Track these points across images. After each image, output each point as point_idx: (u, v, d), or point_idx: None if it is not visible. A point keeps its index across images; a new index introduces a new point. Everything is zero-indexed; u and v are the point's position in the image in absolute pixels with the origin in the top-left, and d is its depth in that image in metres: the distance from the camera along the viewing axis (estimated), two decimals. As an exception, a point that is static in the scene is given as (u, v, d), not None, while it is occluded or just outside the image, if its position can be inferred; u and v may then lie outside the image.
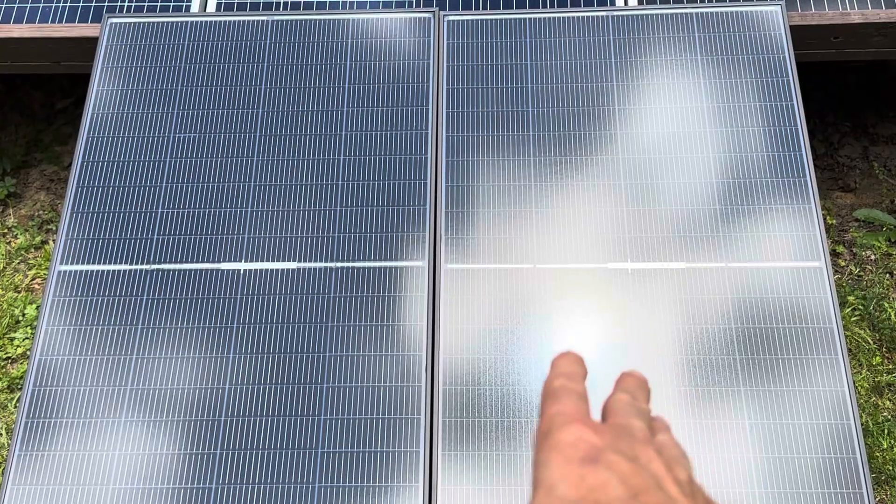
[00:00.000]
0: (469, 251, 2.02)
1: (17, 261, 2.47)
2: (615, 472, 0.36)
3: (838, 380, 1.87)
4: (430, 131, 2.14)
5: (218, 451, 1.81)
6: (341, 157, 2.11)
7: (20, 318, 2.30)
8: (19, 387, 2.11)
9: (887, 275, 2.44)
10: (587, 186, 2.07)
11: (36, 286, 2.42)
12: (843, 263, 2.51)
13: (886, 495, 1.92)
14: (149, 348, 1.91)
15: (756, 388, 1.86)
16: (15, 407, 2.07)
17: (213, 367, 1.89)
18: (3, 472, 1.81)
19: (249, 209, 2.06)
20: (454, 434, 1.83)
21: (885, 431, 2.03)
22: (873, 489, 1.93)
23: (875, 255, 2.51)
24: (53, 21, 2.30)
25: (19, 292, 2.39)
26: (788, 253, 2.00)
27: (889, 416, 2.07)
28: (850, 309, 2.34)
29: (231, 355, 1.90)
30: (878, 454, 1.99)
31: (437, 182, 2.09)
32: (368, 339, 1.92)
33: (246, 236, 2.03)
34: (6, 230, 2.58)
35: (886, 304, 2.33)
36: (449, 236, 2.03)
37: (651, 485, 0.36)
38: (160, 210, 2.05)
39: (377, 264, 2.00)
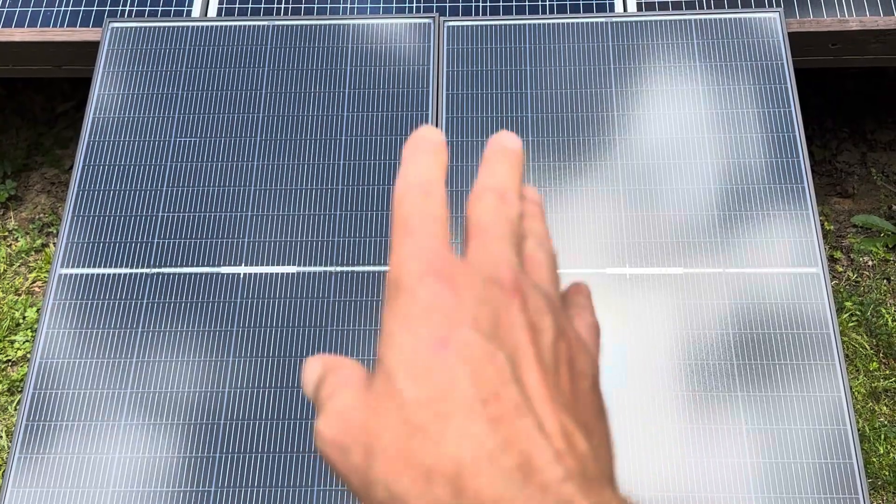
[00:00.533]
0: (468, 256, 2.03)
1: (18, 264, 2.48)
2: (466, 363, 0.30)
3: (835, 385, 1.88)
4: (429, 136, 2.14)
5: (217, 455, 1.82)
6: (341, 162, 2.12)
7: (20, 321, 2.31)
8: (19, 389, 2.12)
9: (885, 281, 2.45)
10: (586, 192, 2.08)
11: (36, 289, 2.43)
12: (840, 269, 2.52)
13: (883, 500, 1.93)
14: (149, 351, 1.92)
15: (753, 394, 1.87)
16: (15, 409, 2.08)
17: (212, 370, 1.90)
18: (3, 475, 1.81)
19: (250, 213, 2.07)
20: (453, 438, 1.84)
21: (882, 437, 2.04)
22: (869, 495, 1.93)
23: (873, 261, 2.53)
24: (55, 25, 2.31)
25: (20, 295, 2.40)
26: (786, 259, 2.01)
27: (886, 422, 2.08)
28: (847, 314, 2.35)
29: (231, 359, 1.91)
30: (874, 459, 2.00)
31: (436, 187, 2.10)
32: (368, 343, 1.93)
33: (246, 240, 2.04)
34: (7, 233, 2.59)
35: (884, 310, 2.34)
36: (449, 241, 2.04)
37: (505, 377, 0.30)
38: (161, 214, 2.06)
39: (377, 269, 2.01)
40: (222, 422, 1.85)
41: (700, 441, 1.83)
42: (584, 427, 0.32)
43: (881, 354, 2.25)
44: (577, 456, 0.30)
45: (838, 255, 2.56)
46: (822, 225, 2.65)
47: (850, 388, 2.11)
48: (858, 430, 2.05)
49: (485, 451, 0.29)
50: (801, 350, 1.92)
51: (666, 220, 2.05)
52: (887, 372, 2.21)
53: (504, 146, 0.39)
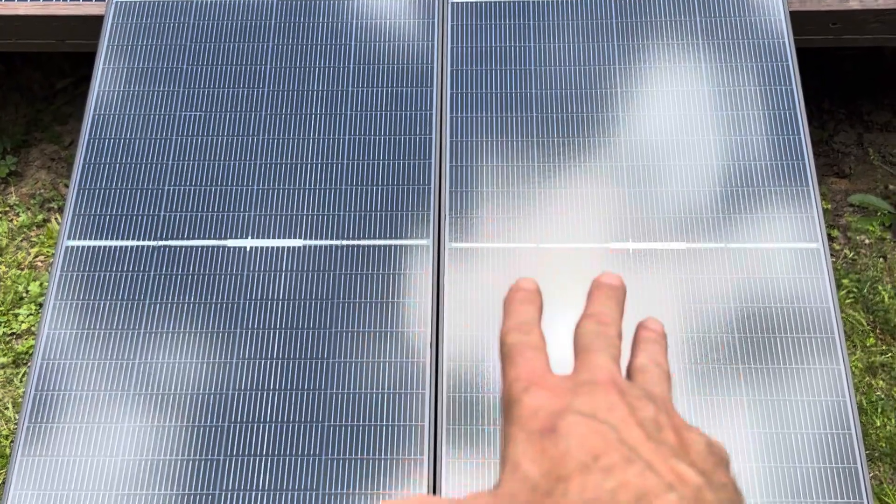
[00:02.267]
0: (473, 230, 2.04)
1: (20, 238, 2.48)
2: (573, 438, 0.35)
3: (834, 358, 1.91)
4: (434, 112, 2.16)
5: (226, 424, 1.84)
6: (346, 137, 2.13)
7: (24, 294, 2.32)
8: (25, 362, 2.13)
9: (881, 259, 2.49)
10: (589, 168, 2.10)
11: (39, 263, 2.44)
12: (837, 247, 2.55)
13: (879, 471, 1.97)
14: (156, 323, 1.93)
15: (754, 366, 1.90)
16: (21, 381, 2.09)
17: (219, 342, 1.91)
18: (11, 445, 1.83)
19: (255, 187, 2.08)
20: (458, 409, 1.86)
21: (879, 410, 2.08)
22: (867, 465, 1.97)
23: (869, 239, 2.56)
24: (58, -1, 2.30)
25: (22, 269, 2.40)
26: (786, 234, 2.03)
27: (882, 395, 2.12)
28: (844, 291, 2.38)
29: (238, 330, 1.93)
30: (871, 432, 2.03)
31: (441, 162, 2.12)
32: (374, 316, 1.94)
33: (252, 213, 2.05)
34: (8, 208, 2.59)
35: (880, 287, 2.37)
36: (453, 216, 2.06)
37: (610, 440, 0.35)
38: (167, 187, 2.07)
39: (382, 242, 2.03)
40: (230, 392, 1.87)
41: (701, 412, 1.85)
42: (699, 469, 0.36)
43: (878, 330, 2.28)
44: (689, 486, 0.34)
45: (835, 233, 2.59)
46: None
47: (849, 362, 2.14)
48: (864, 406, 2.08)
49: (604, 492, 0.33)
50: (801, 324, 1.95)
51: (669, 195, 2.07)
52: (884, 347, 2.24)
53: (604, 282, 0.47)
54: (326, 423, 1.84)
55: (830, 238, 2.57)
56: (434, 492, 1.79)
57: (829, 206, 2.67)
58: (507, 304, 0.45)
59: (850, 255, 2.50)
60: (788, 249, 2.03)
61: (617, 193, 2.08)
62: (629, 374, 0.45)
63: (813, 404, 1.87)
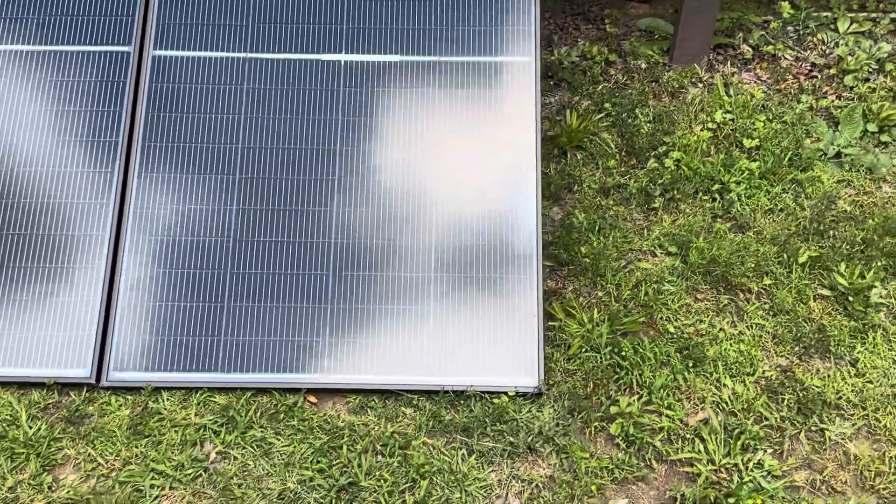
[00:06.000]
0: (180, 38, 2.01)
1: None
2: None
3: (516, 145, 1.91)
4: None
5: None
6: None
7: None
8: None
9: (653, 83, 2.44)
10: None
11: None
12: (612, 72, 2.49)
13: (577, 285, 1.99)
14: None
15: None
16: None
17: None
18: None
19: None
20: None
21: (597, 229, 2.09)
22: (577, 282, 2.00)
23: (646, 63, 2.50)
24: None
25: None
26: (500, 48, 2.00)
27: (613, 214, 2.12)
28: (603, 115, 2.35)
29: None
30: (581, 248, 2.04)
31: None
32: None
33: None
34: None
35: (639, 111, 2.34)
36: (160, 23, 2.01)
37: None
38: None
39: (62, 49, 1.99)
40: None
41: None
42: None
43: (623, 153, 2.27)
44: None
45: (613, 57, 2.53)
46: (606, 28, 2.62)
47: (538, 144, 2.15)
48: (581, 222, 2.09)
49: None
50: (500, 117, 1.95)
51: (385, 9, 2.03)
52: (623, 170, 2.23)
53: None
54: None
55: (608, 62, 2.52)
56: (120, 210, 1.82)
57: (616, 30, 2.60)
58: None
59: (623, 80, 2.45)
60: (500, 63, 1.99)
61: (332, 3, 2.03)
62: None
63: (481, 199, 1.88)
